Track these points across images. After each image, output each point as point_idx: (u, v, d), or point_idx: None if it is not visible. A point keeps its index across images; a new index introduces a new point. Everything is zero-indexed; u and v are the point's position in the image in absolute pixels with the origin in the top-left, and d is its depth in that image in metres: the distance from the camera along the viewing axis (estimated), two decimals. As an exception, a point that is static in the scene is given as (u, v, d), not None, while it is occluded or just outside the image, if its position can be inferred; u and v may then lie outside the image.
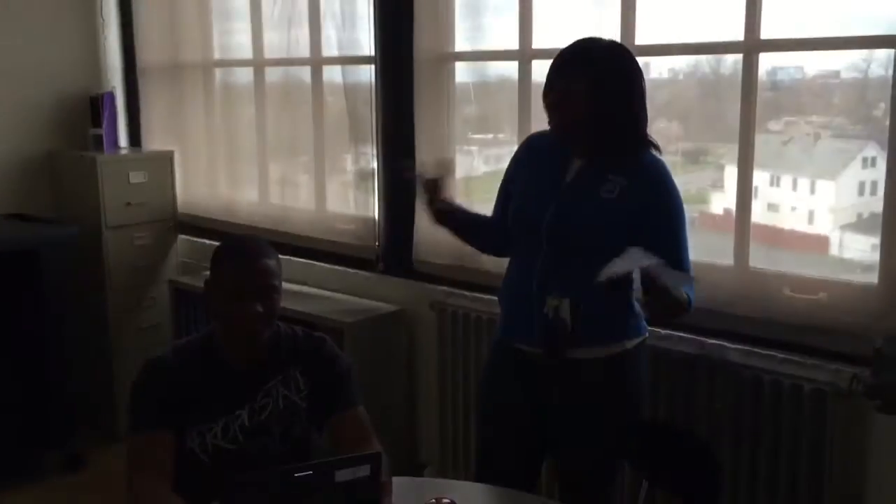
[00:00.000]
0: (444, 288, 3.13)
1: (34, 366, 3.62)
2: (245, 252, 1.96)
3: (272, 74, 3.78)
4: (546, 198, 2.16)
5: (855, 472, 2.29)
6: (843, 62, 2.40)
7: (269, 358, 1.99)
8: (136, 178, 3.96)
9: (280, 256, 2.03)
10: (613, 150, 2.12)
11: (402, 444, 3.33)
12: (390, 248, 3.31)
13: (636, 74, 2.13)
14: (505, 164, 2.40)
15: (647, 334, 2.26)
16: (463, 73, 3.14)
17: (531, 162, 2.28)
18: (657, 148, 2.16)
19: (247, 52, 3.82)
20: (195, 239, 4.13)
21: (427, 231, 2.96)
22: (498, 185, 2.39)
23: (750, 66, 2.41)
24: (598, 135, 2.10)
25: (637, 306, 2.21)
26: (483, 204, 2.44)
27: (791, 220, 2.58)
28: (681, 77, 2.77)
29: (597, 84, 2.06)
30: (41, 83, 4.04)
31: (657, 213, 2.12)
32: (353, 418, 1.99)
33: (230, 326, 1.94)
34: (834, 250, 2.51)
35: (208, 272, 2.01)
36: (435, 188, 2.31)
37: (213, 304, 1.97)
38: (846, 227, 2.54)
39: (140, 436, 1.90)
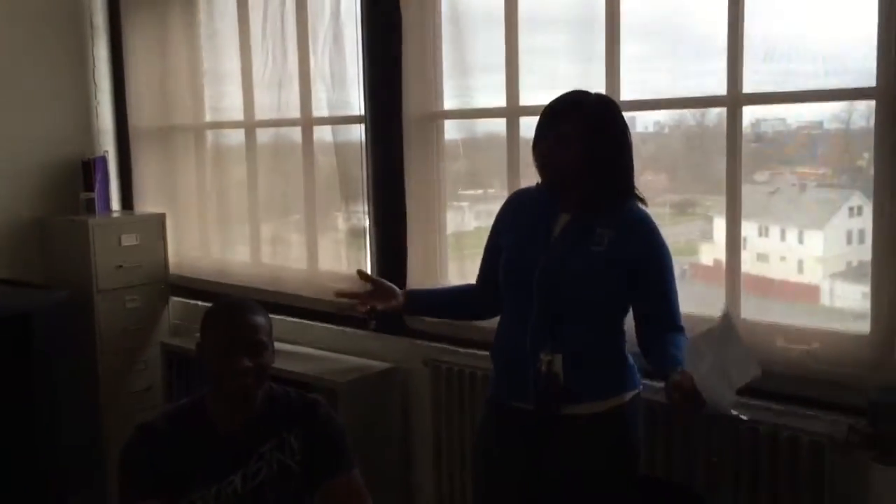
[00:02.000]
0: (437, 345, 3.12)
1: (26, 430, 3.57)
2: (235, 309, 1.97)
3: (263, 135, 3.81)
4: (535, 253, 2.17)
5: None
6: (825, 113, 2.44)
7: (263, 420, 1.98)
8: (128, 240, 3.96)
9: (272, 316, 2.04)
10: (603, 200, 2.14)
11: (399, 504, 3.29)
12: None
13: (625, 125, 2.17)
14: (495, 219, 2.42)
15: (641, 387, 2.25)
16: (452, 130, 3.18)
17: (517, 219, 2.29)
18: (643, 201, 2.19)
19: (238, 114, 3.85)
20: (187, 301, 4.12)
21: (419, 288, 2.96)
22: (488, 240, 2.40)
23: (734, 119, 2.45)
24: (589, 183, 2.12)
25: (631, 359, 2.21)
26: (474, 259, 2.45)
27: (781, 271, 2.59)
28: (666, 130, 2.81)
29: (589, 132, 2.09)
30: (33, 148, 4.06)
31: (646, 263, 2.13)
32: (348, 483, 1.97)
33: (221, 384, 1.93)
34: (825, 299, 2.52)
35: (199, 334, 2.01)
36: (379, 296, 2.36)
37: (205, 365, 1.97)
38: (836, 276, 2.55)
39: (130, 504, 1.87)
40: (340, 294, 2.40)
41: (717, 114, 2.53)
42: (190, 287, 4.07)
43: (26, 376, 3.56)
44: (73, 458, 3.82)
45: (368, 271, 3.29)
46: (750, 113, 2.46)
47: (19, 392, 3.56)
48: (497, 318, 2.35)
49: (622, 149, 2.14)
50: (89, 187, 4.09)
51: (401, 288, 2.45)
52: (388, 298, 2.38)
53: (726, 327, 1.95)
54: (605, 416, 2.15)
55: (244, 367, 1.89)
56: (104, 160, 4.19)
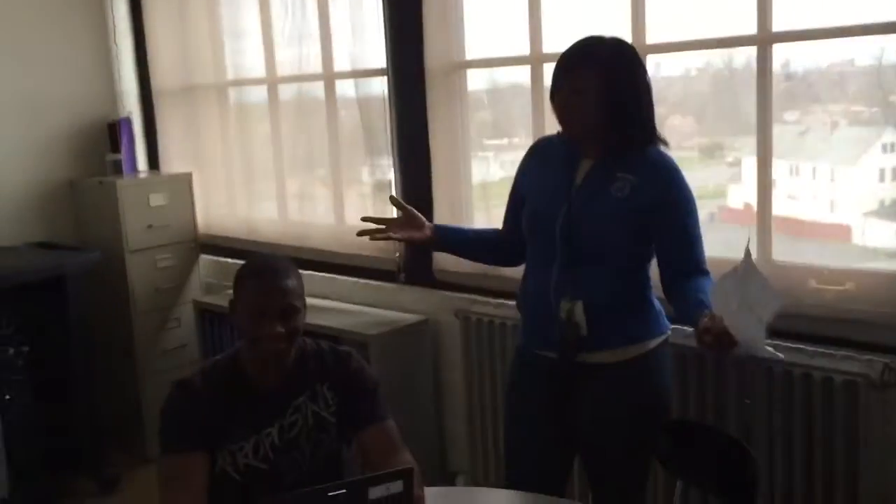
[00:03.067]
0: (467, 296, 3.13)
1: (63, 390, 3.65)
2: (266, 272, 1.96)
3: (285, 91, 3.80)
4: (558, 200, 2.16)
5: (890, 462, 2.26)
6: (857, 50, 2.38)
7: (296, 375, 2.00)
8: (156, 200, 3.99)
9: (302, 272, 2.04)
10: (624, 146, 2.11)
11: (433, 454, 3.33)
12: (411, 259, 3.31)
13: (641, 68, 2.13)
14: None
15: (669, 332, 2.24)
16: (475, 80, 3.15)
17: (539, 167, 2.28)
18: (665, 143, 2.16)
19: (259, 71, 3.84)
20: (217, 258, 4.16)
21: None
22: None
23: (764, 59, 2.40)
24: (609, 130, 2.09)
25: (658, 304, 2.20)
26: (500, 209, 2.44)
27: (812, 210, 2.56)
28: (693, 73, 2.76)
29: (604, 79, 2.06)
30: (59, 113, 4.09)
31: (669, 208, 2.10)
32: (383, 432, 1.99)
33: (254, 346, 1.95)
34: (857, 238, 2.49)
35: (231, 292, 2.02)
36: (408, 225, 2.33)
37: (238, 324, 1.98)
38: (869, 215, 2.52)
39: (171, 458, 1.90)
40: (363, 233, 2.34)
41: (746, 55, 2.48)
42: (219, 245, 4.11)
43: (62, 337, 3.62)
44: (110, 417, 3.90)
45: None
46: (780, 52, 2.41)
47: (56, 353, 3.63)
48: (523, 268, 2.35)
49: (640, 94, 2.11)
50: (116, 149, 4.13)
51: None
52: (416, 228, 2.35)
53: (746, 262, 1.92)
54: (631, 363, 2.15)
55: (276, 334, 1.90)
56: (129, 121, 4.22)
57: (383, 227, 2.35)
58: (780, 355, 2.17)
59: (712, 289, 1.99)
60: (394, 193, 3.32)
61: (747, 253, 1.95)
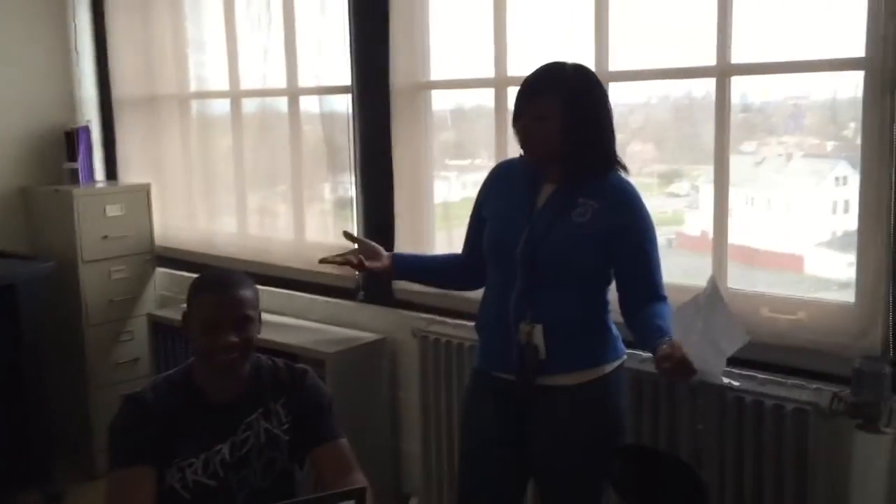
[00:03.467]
0: (426, 315, 3.12)
1: (11, 401, 3.57)
2: (220, 283, 1.95)
3: (249, 105, 3.78)
4: (519, 224, 2.17)
5: (838, 489, 2.30)
6: (812, 84, 2.44)
7: (250, 391, 1.98)
8: (113, 211, 3.94)
9: (259, 287, 2.03)
10: (585, 171, 2.13)
11: (387, 475, 3.31)
12: (370, 277, 3.30)
13: (604, 96, 2.16)
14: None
15: (625, 356, 2.26)
16: (440, 100, 3.16)
17: (501, 189, 2.29)
18: (625, 169, 2.19)
19: (223, 84, 3.82)
20: (174, 272, 4.11)
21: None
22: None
23: (723, 90, 2.45)
24: (569, 157, 2.11)
25: (615, 328, 2.22)
26: (462, 229, 2.45)
27: (766, 240, 2.60)
28: (654, 101, 2.81)
29: (566, 106, 2.08)
30: (15, 118, 4.02)
31: (629, 233, 2.13)
32: (336, 450, 1.98)
33: (207, 358, 1.93)
34: (810, 269, 2.54)
35: (185, 305, 2.00)
36: (364, 258, 2.35)
37: (191, 336, 1.96)
38: (821, 246, 2.57)
39: (119, 472, 1.87)
40: (324, 261, 2.38)
41: (706, 85, 2.53)
42: (176, 258, 4.06)
43: (12, 347, 3.55)
44: (59, 429, 3.82)
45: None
46: (738, 84, 2.46)
47: (5, 363, 3.55)
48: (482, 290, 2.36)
49: (601, 120, 2.13)
50: (72, 157, 4.06)
51: None
52: (373, 259, 2.38)
53: (712, 293, 1.96)
54: (587, 387, 2.16)
55: (230, 343, 1.89)
56: (87, 130, 4.15)
57: (343, 262, 2.37)
58: (737, 383, 2.20)
59: (673, 315, 2.02)
60: (354, 210, 3.32)
61: (713, 282, 1.98)
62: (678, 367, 1.91)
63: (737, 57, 2.43)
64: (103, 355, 3.93)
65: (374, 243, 2.43)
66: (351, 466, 1.96)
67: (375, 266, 2.37)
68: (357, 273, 3.24)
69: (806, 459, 2.24)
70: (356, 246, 2.45)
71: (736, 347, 1.95)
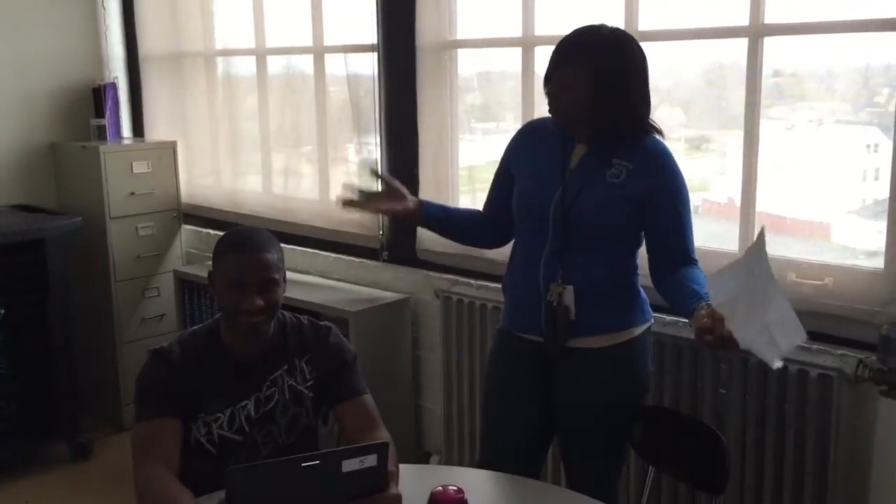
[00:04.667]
0: (449, 276, 3.13)
1: (39, 355, 3.63)
2: (246, 245, 1.94)
3: (274, 64, 3.77)
4: (551, 184, 2.15)
5: (860, 455, 2.29)
6: (844, 49, 2.39)
7: (275, 348, 2.00)
8: (140, 168, 3.96)
9: (284, 246, 2.03)
10: (614, 139, 2.11)
11: (408, 434, 3.34)
12: (394, 237, 3.31)
13: (637, 62, 2.09)
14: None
15: (652, 320, 2.25)
16: (466, 64, 3.13)
17: (532, 149, 2.25)
18: (660, 132, 2.15)
19: (249, 42, 3.81)
20: (199, 229, 4.14)
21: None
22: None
23: (755, 52, 2.40)
24: (598, 122, 2.08)
25: (643, 292, 2.21)
26: (486, 192, 2.43)
27: (794, 207, 2.57)
28: (683, 64, 2.76)
29: (595, 73, 2.04)
30: (44, 74, 4.04)
31: (662, 194, 2.10)
32: (360, 407, 1.99)
33: (232, 319, 1.94)
34: (838, 237, 2.51)
35: (211, 263, 2.01)
36: (391, 198, 2.30)
37: (217, 296, 1.98)
38: (850, 214, 2.53)
39: (146, 424, 1.89)
40: (347, 204, 2.28)
41: (736, 49, 2.48)
42: (202, 216, 4.09)
43: (41, 301, 3.60)
44: (87, 382, 3.89)
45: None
46: (770, 47, 2.41)
47: (33, 317, 3.60)
48: (506, 250, 2.35)
49: (632, 94, 2.08)
50: (100, 114, 4.08)
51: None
52: (400, 201, 2.31)
53: (758, 262, 1.87)
54: (616, 349, 2.16)
55: (255, 307, 1.89)
56: (114, 87, 4.17)
57: (366, 202, 2.31)
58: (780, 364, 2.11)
59: (709, 281, 1.98)
60: (379, 172, 3.30)
61: (759, 249, 1.84)
62: (720, 341, 1.87)
63: (770, 17, 2.38)
64: (130, 311, 3.99)
65: (400, 184, 2.34)
66: (375, 422, 1.97)
67: (399, 209, 2.30)
68: (380, 230, 3.26)
69: (829, 425, 2.23)
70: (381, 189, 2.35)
71: (794, 345, 1.89)
